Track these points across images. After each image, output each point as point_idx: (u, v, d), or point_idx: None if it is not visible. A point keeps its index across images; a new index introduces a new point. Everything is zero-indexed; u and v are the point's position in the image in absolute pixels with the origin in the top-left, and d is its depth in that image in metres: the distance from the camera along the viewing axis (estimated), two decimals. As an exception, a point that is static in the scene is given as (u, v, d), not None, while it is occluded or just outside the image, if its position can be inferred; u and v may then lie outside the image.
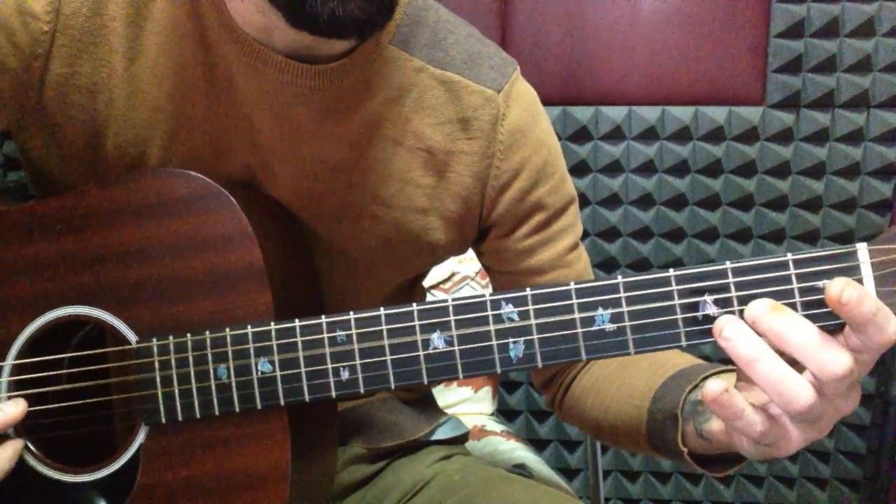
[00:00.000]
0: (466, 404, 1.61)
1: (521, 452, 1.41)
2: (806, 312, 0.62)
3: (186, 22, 0.81)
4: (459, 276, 1.57)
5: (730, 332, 0.61)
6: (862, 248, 0.62)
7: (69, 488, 0.79)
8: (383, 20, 0.75)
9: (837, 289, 0.58)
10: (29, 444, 0.79)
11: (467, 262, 1.57)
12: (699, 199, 1.92)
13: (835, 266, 0.61)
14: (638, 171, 1.92)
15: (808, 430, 0.63)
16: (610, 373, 0.94)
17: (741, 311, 0.63)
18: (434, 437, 1.10)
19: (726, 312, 0.63)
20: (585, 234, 1.94)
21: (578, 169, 1.92)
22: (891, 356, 1.86)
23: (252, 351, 0.74)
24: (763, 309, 0.61)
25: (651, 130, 1.90)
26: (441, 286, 1.56)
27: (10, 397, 0.79)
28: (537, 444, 2.05)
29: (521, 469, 1.32)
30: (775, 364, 0.60)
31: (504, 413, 2.04)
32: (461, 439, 1.15)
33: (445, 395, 1.58)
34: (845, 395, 0.62)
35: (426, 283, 1.27)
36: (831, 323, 0.61)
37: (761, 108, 1.87)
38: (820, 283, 0.62)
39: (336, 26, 0.71)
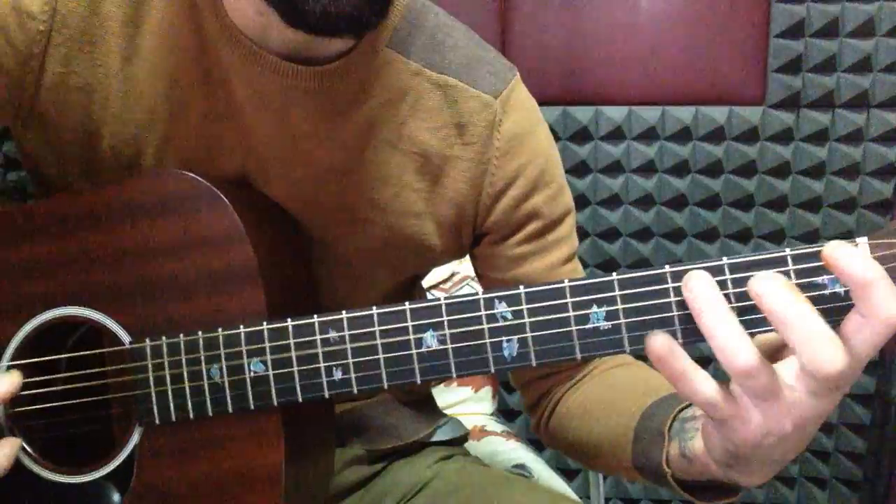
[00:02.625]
0: (466, 404, 1.61)
1: (521, 452, 1.41)
2: None
3: (184, 23, 0.81)
4: (459, 275, 1.57)
5: (693, 284, 0.59)
6: (862, 243, 0.60)
7: (65, 489, 0.79)
8: (377, 18, 0.75)
9: (834, 245, 0.55)
10: (25, 445, 0.79)
11: (467, 262, 1.55)
12: (699, 199, 1.92)
13: None
14: (638, 172, 1.92)
15: (766, 412, 0.59)
16: (598, 393, 0.92)
17: (740, 309, 0.61)
18: (434, 439, 1.10)
19: None
20: (586, 235, 1.94)
21: (578, 169, 1.92)
22: (891, 356, 1.85)
23: (244, 351, 0.74)
24: (774, 287, 0.56)
25: (651, 130, 1.90)
26: (441, 286, 1.56)
27: (6, 367, 0.79)
28: (537, 444, 2.04)
29: (521, 469, 1.32)
30: (724, 320, 0.58)
31: (504, 413, 2.04)
32: (461, 440, 1.15)
33: (445, 395, 1.58)
34: (820, 396, 0.58)
35: (425, 283, 1.27)
36: (832, 320, 0.60)
37: (761, 108, 1.87)
38: (819, 279, 0.61)
39: (329, 23, 0.70)
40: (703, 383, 0.60)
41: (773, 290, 0.56)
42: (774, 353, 0.62)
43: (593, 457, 0.91)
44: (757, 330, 0.61)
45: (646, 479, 0.81)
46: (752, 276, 0.61)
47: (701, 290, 0.59)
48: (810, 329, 0.55)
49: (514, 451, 1.42)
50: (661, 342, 0.59)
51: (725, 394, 0.60)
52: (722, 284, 0.62)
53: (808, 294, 0.60)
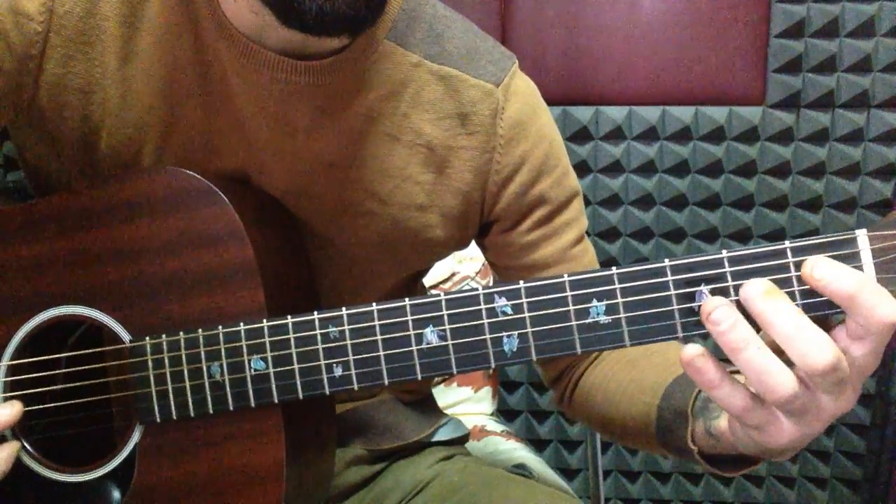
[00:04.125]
0: (466, 404, 1.60)
1: (521, 452, 1.41)
2: (805, 301, 0.61)
3: (180, 22, 0.81)
4: (459, 275, 1.57)
5: (718, 315, 0.59)
6: (861, 235, 0.61)
7: (66, 488, 0.79)
8: (373, 17, 0.75)
9: (809, 266, 0.58)
10: (26, 445, 0.79)
11: (467, 262, 1.57)
12: (699, 199, 1.92)
13: (834, 253, 0.60)
14: (638, 172, 1.92)
15: (798, 422, 0.61)
16: (620, 368, 0.93)
17: (738, 302, 0.61)
18: (434, 439, 1.10)
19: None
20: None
21: (579, 169, 1.92)
22: (891, 356, 1.85)
23: (245, 349, 0.74)
24: (756, 291, 0.59)
25: (651, 130, 1.90)
26: (441, 286, 1.56)
27: (5, 399, 0.79)
28: (537, 444, 2.04)
29: (521, 469, 1.31)
30: (759, 353, 0.58)
31: (504, 413, 2.04)
32: (461, 440, 1.15)
33: (445, 395, 1.58)
34: (832, 392, 0.59)
35: (426, 282, 1.27)
36: (831, 312, 0.60)
37: (761, 108, 1.87)
38: None
39: (324, 23, 0.70)
40: (736, 393, 0.61)
41: (754, 295, 0.58)
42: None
43: (620, 434, 0.92)
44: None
45: (672, 455, 0.82)
46: (750, 268, 0.62)
47: (729, 324, 0.59)
48: (791, 326, 0.57)
49: (514, 451, 1.41)
50: (695, 352, 0.60)
51: (757, 402, 0.61)
52: (721, 277, 0.63)
53: (808, 287, 0.61)
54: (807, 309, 0.60)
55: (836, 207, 1.88)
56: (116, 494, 0.79)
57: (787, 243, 0.61)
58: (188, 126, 0.83)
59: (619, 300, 0.65)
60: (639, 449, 0.88)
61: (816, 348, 0.57)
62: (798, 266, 0.61)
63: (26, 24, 0.78)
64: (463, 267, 1.57)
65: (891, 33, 1.79)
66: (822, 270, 0.57)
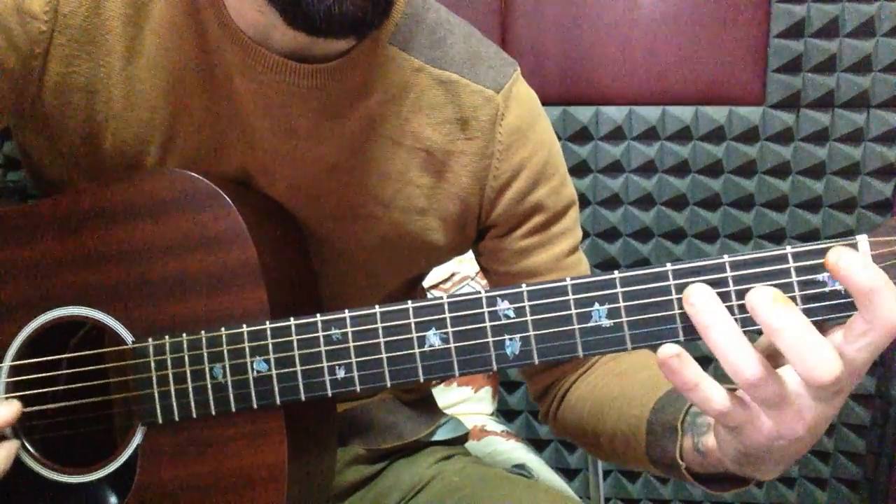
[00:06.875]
0: (466, 404, 1.61)
1: (521, 452, 1.41)
2: (806, 306, 0.61)
3: (185, 22, 0.81)
4: (459, 276, 1.57)
5: (696, 299, 0.60)
6: (862, 240, 0.61)
7: (67, 489, 0.79)
8: (380, 19, 0.75)
9: (836, 254, 0.56)
10: (27, 445, 0.79)
11: (467, 263, 1.57)
12: (699, 199, 1.92)
13: None
14: (638, 172, 1.92)
15: (776, 418, 0.60)
16: (608, 382, 0.93)
17: (740, 306, 0.62)
18: (434, 438, 1.10)
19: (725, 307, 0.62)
20: (586, 235, 1.94)
21: (579, 169, 1.92)
22: (891, 356, 1.85)
23: (247, 350, 0.74)
24: (765, 299, 0.57)
25: (651, 130, 1.90)
26: (441, 286, 1.56)
27: (6, 398, 0.79)
28: (537, 444, 2.04)
29: (521, 469, 1.32)
30: (729, 333, 0.59)
31: (504, 413, 2.04)
32: (461, 440, 1.15)
33: (445, 395, 1.58)
34: (825, 401, 0.59)
35: (426, 283, 1.27)
36: (833, 317, 0.61)
37: (761, 108, 1.87)
38: (820, 276, 0.61)
39: (332, 25, 0.70)
40: (714, 393, 0.60)
41: (763, 302, 0.57)
42: (780, 355, 0.62)
43: (607, 448, 0.91)
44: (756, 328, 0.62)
45: (659, 470, 0.81)
46: (752, 272, 0.62)
47: (703, 304, 0.60)
48: (801, 340, 0.56)
49: (514, 451, 1.42)
50: (670, 352, 0.59)
51: (736, 402, 0.61)
52: (723, 282, 0.62)
53: (809, 292, 0.61)
54: (807, 313, 0.60)
55: (836, 207, 1.89)
56: (118, 495, 0.79)
57: (789, 248, 0.61)
58: (192, 127, 0.83)
59: (621, 304, 0.65)
60: (624, 465, 0.87)
61: (825, 362, 0.56)
62: (799, 271, 0.61)
63: (31, 23, 0.78)
64: (463, 267, 1.57)
65: (891, 33, 1.80)
66: (849, 260, 0.56)
